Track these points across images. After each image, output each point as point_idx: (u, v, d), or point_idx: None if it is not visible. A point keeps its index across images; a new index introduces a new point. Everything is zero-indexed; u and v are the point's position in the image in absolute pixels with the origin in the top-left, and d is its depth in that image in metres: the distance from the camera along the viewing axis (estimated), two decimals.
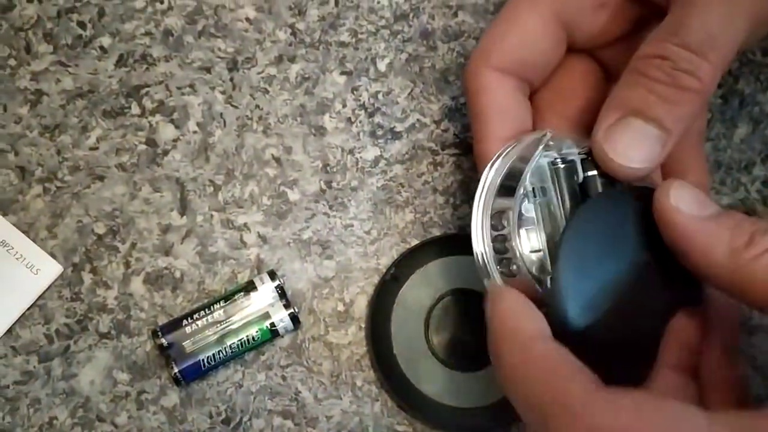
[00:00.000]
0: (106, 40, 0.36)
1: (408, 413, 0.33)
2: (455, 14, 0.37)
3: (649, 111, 0.25)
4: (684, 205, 0.24)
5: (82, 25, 0.36)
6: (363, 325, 0.34)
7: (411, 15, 0.37)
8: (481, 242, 0.27)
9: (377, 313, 0.33)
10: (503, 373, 0.24)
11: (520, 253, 0.26)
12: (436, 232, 0.35)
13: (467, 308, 0.34)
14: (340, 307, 0.34)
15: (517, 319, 0.24)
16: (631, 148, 0.25)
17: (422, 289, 0.34)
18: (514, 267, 0.26)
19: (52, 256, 0.34)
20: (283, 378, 0.33)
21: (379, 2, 0.37)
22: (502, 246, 0.26)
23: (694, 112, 0.25)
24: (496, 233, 0.27)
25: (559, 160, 0.27)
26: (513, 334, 0.24)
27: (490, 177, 0.27)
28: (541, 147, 0.26)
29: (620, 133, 0.25)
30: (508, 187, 0.27)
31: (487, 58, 0.29)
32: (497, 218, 0.27)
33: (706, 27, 0.24)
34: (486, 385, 0.33)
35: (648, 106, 0.25)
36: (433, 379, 0.33)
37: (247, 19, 0.37)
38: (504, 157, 0.27)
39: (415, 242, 0.35)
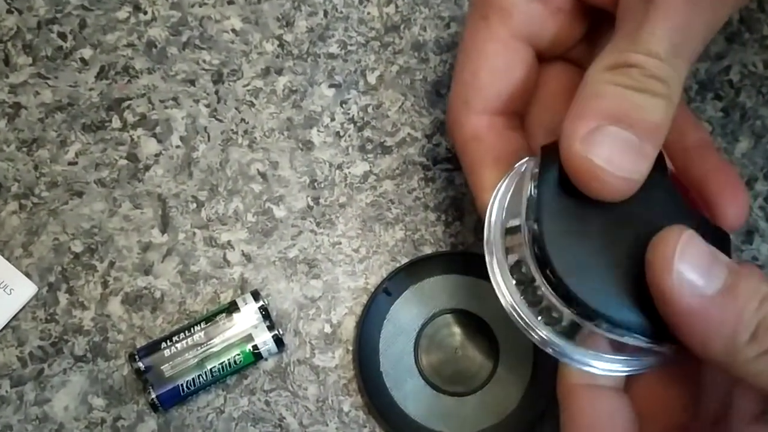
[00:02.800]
0: (87, 52, 0.35)
1: None
2: (448, 25, 0.36)
3: (625, 118, 0.23)
4: (688, 270, 0.22)
5: (62, 36, 0.35)
6: (351, 348, 0.33)
7: (402, 26, 0.36)
8: (510, 300, 0.25)
9: (366, 328, 0.32)
10: None
11: (556, 299, 0.24)
12: (428, 250, 0.34)
13: (462, 330, 0.32)
14: (327, 329, 0.33)
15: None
16: (617, 156, 0.23)
17: (415, 307, 0.32)
18: (555, 314, 0.24)
19: (27, 275, 0.32)
20: (267, 403, 0.32)
21: (369, 13, 0.36)
22: (533, 297, 0.24)
23: (669, 120, 0.24)
24: (521, 286, 0.25)
25: None
26: None
27: (493, 230, 0.26)
28: (529, 179, 0.25)
29: (600, 141, 0.23)
30: (513, 229, 0.25)
31: (466, 105, 0.28)
32: (516, 269, 0.25)
33: (669, 35, 0.23)
34: (474, 412, 0.31)
35: (624, 114, 0.23)
36: (419, 401, 0.32)
37: (233, 31, 0.36)
38: (498, 200, 0.26)
39: (405, 260, 0.33)
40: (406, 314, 0.32)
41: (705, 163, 0.28)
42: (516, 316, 0.25)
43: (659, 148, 0.24)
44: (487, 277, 0.33)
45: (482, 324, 0.32)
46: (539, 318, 0.24)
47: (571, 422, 0.26)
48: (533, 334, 0.24)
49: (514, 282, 0.25)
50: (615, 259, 0.23)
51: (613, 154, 0.23)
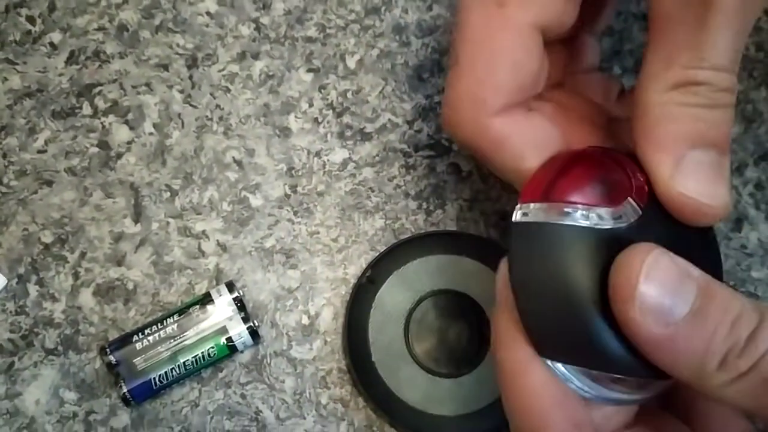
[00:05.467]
0: (56, 36, 0.34)
1: (389, 423, 0.31)
2: (430, 8, 0.35)
3: (705, 140, 0.23)
4: (654, 292, 0.20)
5: (31, 20, 0.34)
6: (328, 339, 0.32)
7: (383, 9, 0.35)
8: None
9: (353, 318, 0.31)
10: None
11: None
12: (408, 236, 0.33)
13: (449, 310, 0.32)
14: (305, 320, 0.32)
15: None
16: (707, 185, 0.23)
17: (401, 292, 0.32)
18: None
19: None
20: (243, 396, 0.31)
21: None
22: None
23: (732, 123, 0.24)
24: None
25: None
26: None
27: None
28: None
29: (687, 172, 0.23)
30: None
31: (483, 105, 0.24)
32: None
33: (732, 43, 0.23)
34: (471, 391, 0.31)
35: (702, 135, 0.23)
36: (415, 387, 0.31)
37: (208, 14, 0.35)
38: None
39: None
40: (392, 301, 0.32)
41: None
42: None
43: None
44: (468, 255, 0.32)
45: (469, 301, 0.32)
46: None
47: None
48: None
49: None
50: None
51: (703, 183, 0.23)
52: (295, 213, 0.33)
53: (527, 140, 0.25)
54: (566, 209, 0.22)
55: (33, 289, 0.32)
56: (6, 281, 0.32)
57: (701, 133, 0.23)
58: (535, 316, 0.22)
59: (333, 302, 0.32)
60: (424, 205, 0.33)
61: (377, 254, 0.32)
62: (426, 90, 0.34)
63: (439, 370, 0.31)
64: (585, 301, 0.21)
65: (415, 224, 0.33)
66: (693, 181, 0.23)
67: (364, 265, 0.32)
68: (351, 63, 0.35)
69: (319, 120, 0.34)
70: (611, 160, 0.24)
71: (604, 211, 0.22)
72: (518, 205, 0.23)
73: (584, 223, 0.22)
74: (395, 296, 0.32)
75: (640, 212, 0.22)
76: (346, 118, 0.34)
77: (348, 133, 0.34)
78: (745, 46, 0.24)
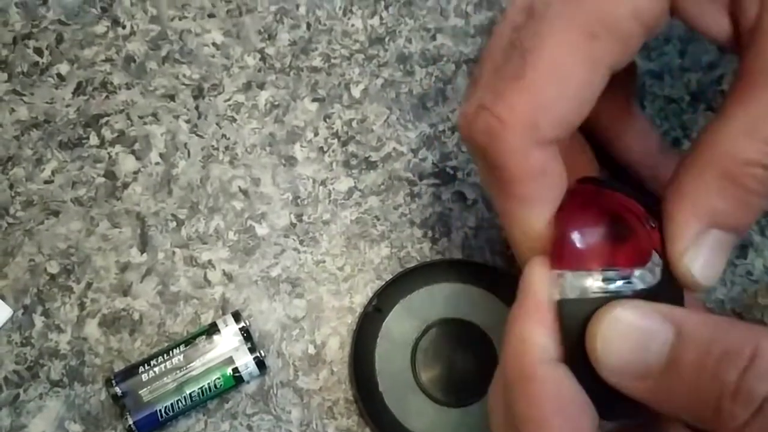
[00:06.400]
0: (64, 67, 0.34)
1: None
2: (433, 37, 0.35)
3: (733, 222, 0.22)
4: (623, 354, 0.20)
5: (38, 51, 0.34)
6: (335, 369, 0.32)
7: (387, 38, 0.35)
8: None
9: (360, 348, 0.31)
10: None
11: None
12: (414, 264, 0.33)
13: (456, 339, 0.32)
14: (311, 350, 0.32)
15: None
16: (713, 267, 0.22)
17: (407, 321, 0.32)
18: None
19: (1, 297, 0.31)
20: (249, 428, 0.31)
21: (353, 25, 0.35)
22: None
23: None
24: None
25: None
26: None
27: None
28: None
29: (703, 250, 0.22)
30: None
31: (534, 130, 0.22)
32: None
33: None
34: (479, 420, 0.31)
35: (735, 218, 0.22)
36: (423, 417, 0.31)
37: (214, 44, 0.35)
38: None
39: (391, 278, 0.33)
40: (398, 330, 0.32)
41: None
42: None
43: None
44: (474, 283, 0.32)
45: (475, 330, 0.32)
46: None
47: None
48: None
49: None
50: None
51: (709, 267, 0.22)
52: (301, 242, 0.33)
53: (555, 185, 0.24)
54: (611, 279, 0.22)
55: (39, 320, 0.32)
56: (11, 312, 0.31)
57: (735, 217, 0.22)
58: None
59: (339, 331, 0.32)
60: (430, 234, 0.33)
61: (383, 283, 0.32)
62: (430, 119, 0.35)
63: (446, 400, 0.31)
64: None
65: (421, 252, 0.33)
66: (702, 262, 0.22)
67: (370, 294, 0.32)
68: (356, 92, 0.35)
69: (325, 149, 0.34)
70: (624, 208, 0.23)
71: (638, 272, 0.22)
72: (553, 272, 0.22)
73: (627, 290, 0.22)
74: (402, 325, 0.32)
75: (662, 266, 0.23)
76: (352, 147, 0.34)
77: (353, 162, 0.34)
78: None
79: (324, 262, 0.33)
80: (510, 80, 0.22)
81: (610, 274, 0.22)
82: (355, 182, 0.34)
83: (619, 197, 0.24)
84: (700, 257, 0.22)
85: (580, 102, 0.23)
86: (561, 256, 0.22)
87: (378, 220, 0.33)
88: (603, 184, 0.25)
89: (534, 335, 0.22)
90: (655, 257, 0.22)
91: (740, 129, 0.21)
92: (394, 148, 0.34)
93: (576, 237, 0.23)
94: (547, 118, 0.22)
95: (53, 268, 0.32)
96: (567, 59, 0.22)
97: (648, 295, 0.22)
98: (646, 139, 0.29)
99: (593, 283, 0.22)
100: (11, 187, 0.33)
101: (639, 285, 0.22)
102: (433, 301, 0.32)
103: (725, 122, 0.22)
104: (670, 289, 0.22)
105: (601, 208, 0.23)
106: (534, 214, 0.23)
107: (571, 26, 0.22)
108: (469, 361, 0.31)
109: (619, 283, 0.22)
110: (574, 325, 0.22)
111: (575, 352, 0.22)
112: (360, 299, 0.32)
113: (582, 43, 0.22)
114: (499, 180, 0.23)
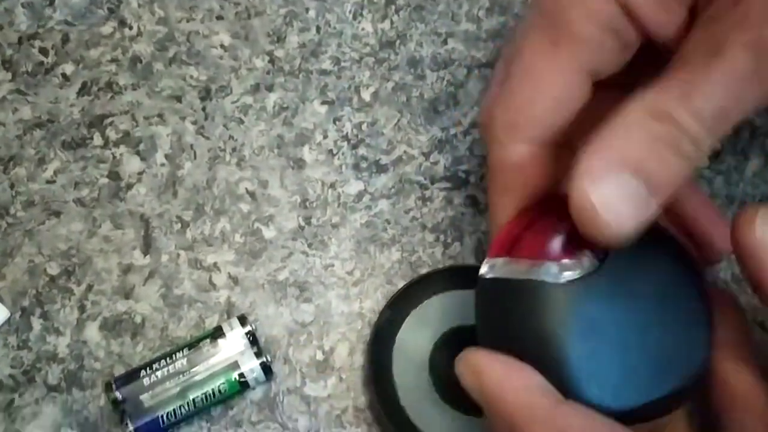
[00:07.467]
0: (69, 68, 0.34)
1: None
2: (445, 42, 0.35)
3: (644, 170, 0.22)
4: None
5: (44, 51, 0.34)
6: (344, 376, 0.31)
7: (398, 42, 0.35)
8: None
9: (377, 363, 0.30)
10: None
11: None
12: (425, 272, 0.32)
13: (472, 345, 0.30)
14: (319, 356, 0.31)
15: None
16: (618, 203, 0.21)
17: (421, 331, 0.30)
18: None
19: None
20: None
21: (363, 29, 0.35)
22: None
23: (685, 181, 0.22)
24: None
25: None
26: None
27: None
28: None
29: (608, 183, 0.21)
30: None
31: (513, 129, 0.25)
32: None
33: (724, 98, 0.21)
34: None
35: (644, 165, 0.22)
36: (447, 428, 0.30)
37: (222, 46, 0.34)
38: None
39: (401, 283, 0.32)
40: (414, 341, 0.30)
41: (691, 200, 0.28)
42: None
43: (662, 208, 0.22)
44: None
45: None
46: None
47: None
48: None
49: None
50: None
51: (615, 199, 0.21)
52: (310, 245, 0.32)
53: (530, 182, 0.25)
54: (532, 266, 0.23)
55: (37, 323, 0.30)
56: (9, 314, 0.30)
57: (644, 163, 0.22)
58: None
59: (348, 337, 0.31)
60: (442, 238, 0.33)
61: (394, 289, 0.31)
62: (442, 122, 0.34)
63: (468, 408, 0.30)
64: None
65: (433, 257, 0.32)
66: (605, 191, 0.21)
67: (380, 299, 0.31)
68: (366, 95, 0.34)
69: (334, 152, 0.33)
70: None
71: (565, 264, 0.23)
72: (486, 259, 0.25)
73: (548, 279, 0.23)
74: (416, 336, 0.30)
75: (598, 263, 0.23)
76: (361, 150, 0.33)
77: (363, 165, 0.33)
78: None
79: (333, 266, 0.32)
80: (498, 84, 0.26)
81: (536, 263, 0.23)
82: (365, 185, 0.33)
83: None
84: (604, 188, 0.21)
85: (557, 104, 0.25)
86: (494, 245, 0.25)
87: (389, 223, 0.33)
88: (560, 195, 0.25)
89: (532, 378, 0.23)
90: (589, 255, 0.23)
91: (660, 87, 0.22)
92: (404, 152, 0.34)
93: (513, 230, 0.25)
94: (524, 117, 0.25)
95: (53, 269, 0.31)
96: (537, 65, 0.25)
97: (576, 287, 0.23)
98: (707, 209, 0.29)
99: (515, 268, 0.24)
100: (12, 186, 0.32)
101: (566, 276, 0.23)
102: (447, 309, 0.31)
103: (646, 91, 0.22)
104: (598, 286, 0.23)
105: (555, 212, 0.24)
106: (501, 203, 0.26)
107: (538, 35, 0.25)
108: None
109: (541, 270, 0.23)
110: (488, 302, 0.24)
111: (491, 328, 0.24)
112: (370, 304, 0.31)
113: (548, 50, 0.25)
114: (489, 170, 0.26)
